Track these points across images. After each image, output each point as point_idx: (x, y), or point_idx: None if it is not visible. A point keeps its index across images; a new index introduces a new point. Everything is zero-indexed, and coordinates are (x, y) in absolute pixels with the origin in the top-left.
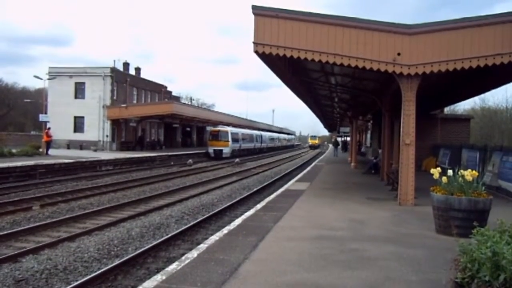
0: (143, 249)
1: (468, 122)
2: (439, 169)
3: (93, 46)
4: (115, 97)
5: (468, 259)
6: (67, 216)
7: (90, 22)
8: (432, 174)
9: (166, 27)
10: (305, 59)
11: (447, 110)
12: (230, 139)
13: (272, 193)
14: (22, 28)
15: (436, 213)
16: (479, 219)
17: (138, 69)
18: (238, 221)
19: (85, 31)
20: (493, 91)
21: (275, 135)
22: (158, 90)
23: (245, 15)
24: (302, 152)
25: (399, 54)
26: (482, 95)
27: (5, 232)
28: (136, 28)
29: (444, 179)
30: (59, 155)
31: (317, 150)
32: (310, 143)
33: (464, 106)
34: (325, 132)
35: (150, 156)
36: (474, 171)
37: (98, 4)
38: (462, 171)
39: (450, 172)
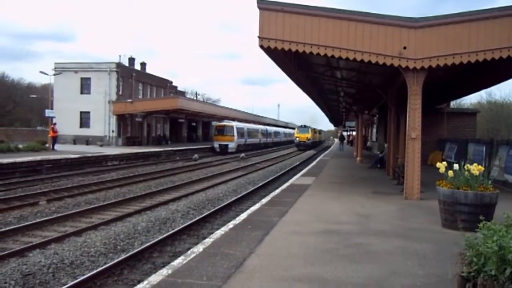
0: (149, 243)
1: (475, 116)
2: (445, 163)
3: (96, 42)
4: (120, 92)
5: (474, 253)
6: (73, 211)
7: (94, 17)
8: (438, 168)
9: (169, 22)
10: (311, 53)
11: (453, 104)
12: (235, 134)
13: (277, 187)
14: (26, 24)
15: (442, 207)
16: (485, 213)
17: (143, 64)
18: (243, 216)
19: (89, 27)
20: (500, 84)
21: (280, 129)
22: (164, 85)
23: (248, 9)
24: None
25: (405, 47)
26: (489, 89)
27: (12, 227)
28: (140, 24)
29: (450, 173)
30: (65, 150)
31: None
32: (298, 139)
33: (470, 100)
34: (330, 126)
35: (155, 151)
36: (480, 166)
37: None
38: (468, 165)
39: (456, 166)
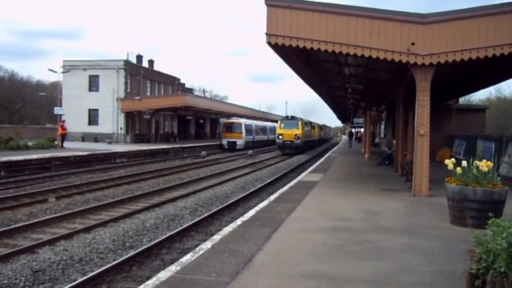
0: (157, 240)
1: (484, 112)
2: (453, 160)
3: (105, 39)
4: (129, 90)
5: (483, 250)
6: (82, 208)
7: (102, 15)
8: (447, 165)
9: (176, 20)
10: (318, 49)
11: (462, 100)
12: (243, 131)
13: (285, 184)
14: (34, 22)
15: (451, 204)
16: (494, 210)
17: (151, 62)
18: (251, 213)
19: (97, 24)
20: (509, 80)
21: None
22: (171, 83)
23: (255, 6)
24: None
25: (413, 44)
26: (498, 85)
27: (22, 224)
28: (148, 21)
29: (459, 169)
30: (74, 148)
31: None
32: (281, 137)
33: (479, 96)
34: (338, 123)
35: (164, 148)
36: (489, 162)
37: None
38: (477, 161)
39: (464, 163)
